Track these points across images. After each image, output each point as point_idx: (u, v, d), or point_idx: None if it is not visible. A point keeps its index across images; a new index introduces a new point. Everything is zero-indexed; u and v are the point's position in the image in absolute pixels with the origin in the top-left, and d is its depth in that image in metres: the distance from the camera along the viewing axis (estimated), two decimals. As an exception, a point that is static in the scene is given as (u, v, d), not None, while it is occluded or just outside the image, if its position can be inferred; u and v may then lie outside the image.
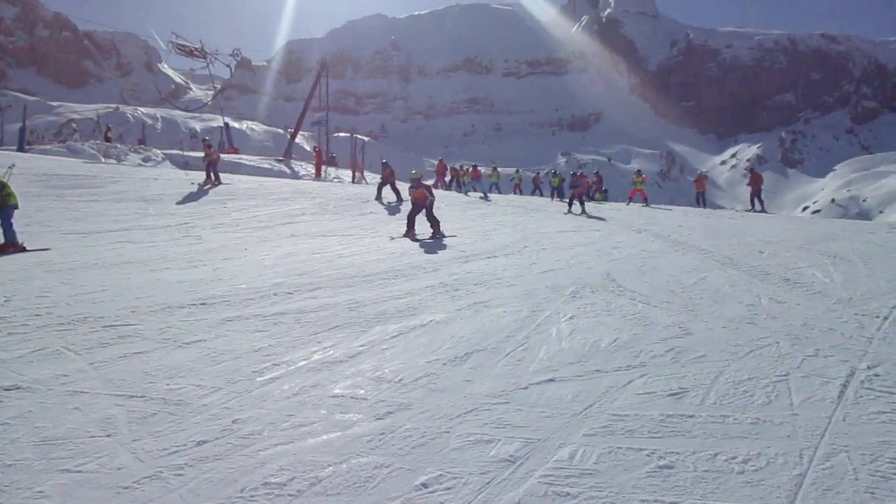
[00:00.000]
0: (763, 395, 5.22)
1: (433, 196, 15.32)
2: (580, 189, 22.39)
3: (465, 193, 27.51)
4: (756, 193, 26.19)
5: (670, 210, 24.96)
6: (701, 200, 27.87)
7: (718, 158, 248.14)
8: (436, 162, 38.32)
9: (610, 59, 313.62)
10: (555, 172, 29.68)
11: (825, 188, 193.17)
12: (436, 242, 13.87)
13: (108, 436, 4.34)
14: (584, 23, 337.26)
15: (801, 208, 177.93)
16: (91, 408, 4.79)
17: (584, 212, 21.35)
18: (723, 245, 13.88)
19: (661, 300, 8.70)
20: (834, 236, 15.77)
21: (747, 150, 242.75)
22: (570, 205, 22.39)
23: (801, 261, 11.90)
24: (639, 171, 30.39)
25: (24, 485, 3.68)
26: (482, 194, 27.25)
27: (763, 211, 26.06)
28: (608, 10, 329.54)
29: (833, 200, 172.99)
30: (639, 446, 4.31)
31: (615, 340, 6.74)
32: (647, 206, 26.60)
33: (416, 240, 14.32)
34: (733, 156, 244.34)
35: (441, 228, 14.95)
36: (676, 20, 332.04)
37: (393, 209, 19.74)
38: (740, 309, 8.25)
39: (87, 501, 3.55)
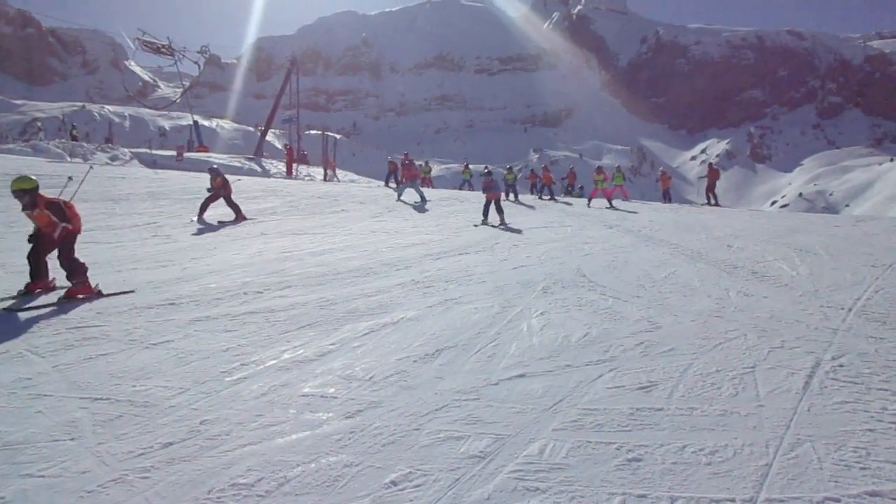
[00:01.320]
0: (730, 387, 5.29)
1: (73, 222, 8.57)
2: (495, 193, 17.67)
3: (398, 197, 22.45)
4: (711, 188, 27.09)
5: (640, 206, 25.15)
6: (668, 196, 28.43)
7: (689, 154, 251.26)
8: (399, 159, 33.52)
9: (581, 56, 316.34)
10: (510, 168, 27.51)
11: (792, 182, 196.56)
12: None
13: (73, 439, 4.26)
14: (554, 20, 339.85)
15: (769, 202, 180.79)
16: (55, 411, 4.70)
17: (502, 222, 16.95)
18: (692, 239, 14.03)
19: (631, 295, 8.77)
20: (801, 230, 16.02)
21: (717, 146, 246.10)
22: (484, 214, 17.27)
23: (769, 254, 12.07)
24: (600, 167, 26.06)
25: (-16, 491, 3.61)
26: (419, 198, 22.02)
27: (717, 204, 26.69)
28: (578, 7, 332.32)
29: (800, 195, 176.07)
30: (608, 440, 4.34)
31: (586, 335, 6.78)
32: (610, 205, 23.72)
33: (38, 307, 7.82)
34: (703, 151, 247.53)
35: (88, 281, 8.42)
36: (646, 17, 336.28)
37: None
38: (709, 302, 8.34)
39: (50, 506, 3.49)
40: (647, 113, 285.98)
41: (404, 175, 23.72)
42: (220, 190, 16.50)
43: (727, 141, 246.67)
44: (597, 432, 4.47)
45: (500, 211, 17.32)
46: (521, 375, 5.59)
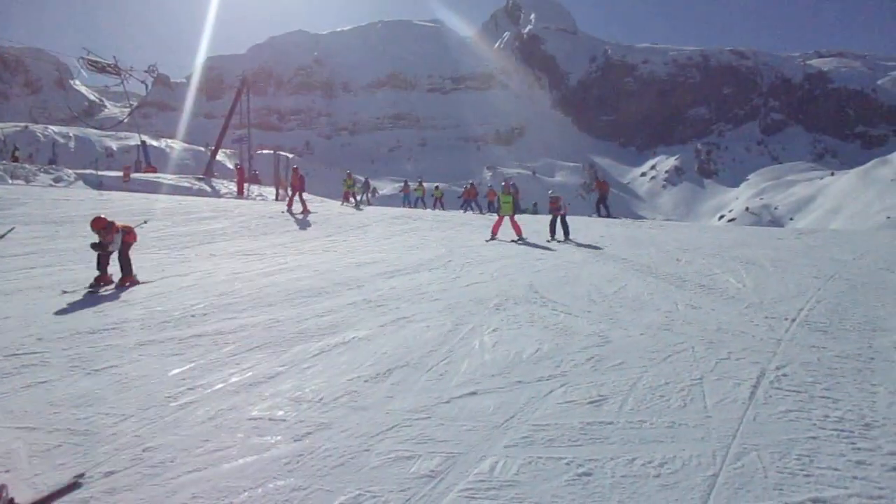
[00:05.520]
0: (679, 399, 5.34)
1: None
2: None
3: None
4: (602, 200, 27.47)
5: (591, 221, 25.45)
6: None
7: (639, 170, 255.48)
8: (362, 178, 33.44)
9: (532, 75, 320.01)
10: (436, 186, 27.28)
11: (739, 197, 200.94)
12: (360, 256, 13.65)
13: (7, 471, 4.11)
14: (505, 39, 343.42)
15: (717, 217, 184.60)
16: (-11, 442, 4.52)
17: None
18: (642, 254, 14.23)
19: (582, 309, 8.84)
20: (747, 243, 16.38)
21: (665, 162, 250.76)
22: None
23: (716, 267, 12.30)
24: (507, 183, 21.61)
25: None
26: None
27: (608, 215, 27.30)
28: (529, 27, 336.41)
29: (747, 209, 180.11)
30: (559, 455, 4.34)
31: (537, 351, 6.80)
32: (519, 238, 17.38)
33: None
34: (653, 167, 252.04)
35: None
36: (595, 37, 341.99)
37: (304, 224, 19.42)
38: (658, 316, 8.45)
39: (-19, 543, 3.34)
40: (598, 130, 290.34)
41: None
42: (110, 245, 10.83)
43: (675, 157, 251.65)
44: (547, 448, 4.47)
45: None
46: (473, 393, 5.57)
